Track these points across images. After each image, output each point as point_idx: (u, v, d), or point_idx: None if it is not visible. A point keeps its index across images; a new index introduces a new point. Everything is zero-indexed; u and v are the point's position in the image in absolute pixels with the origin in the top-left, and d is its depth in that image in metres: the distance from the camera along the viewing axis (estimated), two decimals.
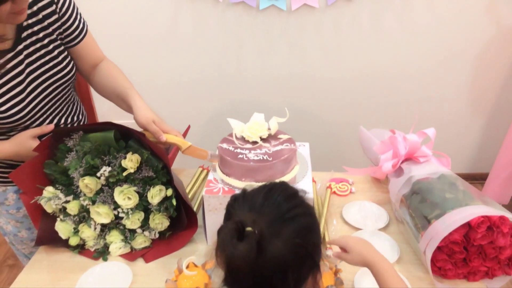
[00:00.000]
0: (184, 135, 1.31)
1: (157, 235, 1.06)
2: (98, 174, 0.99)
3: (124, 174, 0.99)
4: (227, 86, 2.11)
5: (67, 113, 1.13)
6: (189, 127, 1.33)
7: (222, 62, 2.04)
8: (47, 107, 1.05)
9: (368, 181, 1.31)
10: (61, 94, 1.08)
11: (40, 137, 1.03)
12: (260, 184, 0.67)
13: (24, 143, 0.99)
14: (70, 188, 1.03)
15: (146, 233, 1.04)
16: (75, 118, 1.16)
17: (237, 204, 0.64)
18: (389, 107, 2.14)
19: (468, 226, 0.88)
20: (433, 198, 0.98)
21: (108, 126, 1.00)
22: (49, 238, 1.06)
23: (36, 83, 1.00)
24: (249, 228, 0.57)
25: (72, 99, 1.16)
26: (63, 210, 1.04)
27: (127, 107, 1.08)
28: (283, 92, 2.10)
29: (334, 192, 1.25)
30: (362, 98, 2.11)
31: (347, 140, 2.18)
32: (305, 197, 0.66)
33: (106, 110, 2.15)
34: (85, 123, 1.21)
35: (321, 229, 1.06)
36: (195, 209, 1.17)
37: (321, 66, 2.03)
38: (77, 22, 1.05)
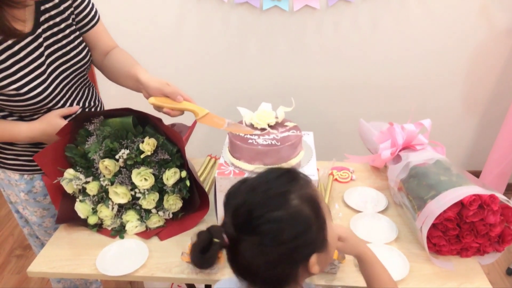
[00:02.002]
0: (192, 127, 1.38)
1: (170, 215, 1.13)
2: (117, 157, 1.06)
3: (142, 156, 1.06)
4: (230, 84, 2.19)
5: (84, 97, 1.19)
6: (195, 121, 1.39)
7: (226, 61, 2.12)
8: (66, 89, 1.11)
9: (367, 169, 1.39)
10: (78, 78, 1.14)
11: (65, 117, 1.09)
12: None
13: (52, 121, 1.05)
14: (89, 171, 1.10)
15: (161, 213, 1.11)
16: (92, 103, 1.22)
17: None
18: (387, 103, 2.22)
19: (461, 205, 0.96)
20: (429, 181, 1.06)
21: (127, 112, 1.07)
22: (68, 218, 1.12)
23: (54, 65, 1.06)
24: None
25: (88, 85, 1.22)
26: (83, 190, 1.11)
27: (135, 83, 1.09)
28: (285, 89, 2.18)
29: (336, 179, 1.32)
30: (362, 94, 2.20)
31: (347, 133, 2.26)
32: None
33: (111, 100, 2.22)
34: (102, 108, 1.28)
35: None
36: None
37: (322, 64, 2.12)
38: (89, 8, 1.12)
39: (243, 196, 0.67)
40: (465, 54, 2.10)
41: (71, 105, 1.13)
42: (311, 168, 1.09)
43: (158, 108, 1.06)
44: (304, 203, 0.65)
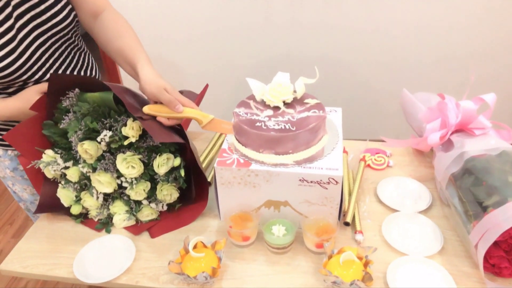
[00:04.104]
0: (202, 94, 1.18)
1: (165, 208, 0.96)
2: (98, 139, 0.88)
3: (126, 143, 0.87)
4: (253, 38, 1.92)
5: (73, 65, 1.01)
6: (207, 86, 1.19)
7: (248, 10, 1.84)
8: (45, 57, 0.93)
9: (408, 153, 1.14)
10: (61, 42, 0.96)
11: None
12: None
13: (30, 98, 0.89)
14: (70, 153, 0.93)
15: (153, 205, 0.94)
16: (83, 73, 1.03)
17: None
18: (438, 67, 1.88)
19: None
20: (491, 181, 0.81)
21: (106, 86, 0.87)
22: (51, 205, 0.97)
23: (27, 29, 0.88)
24: None
25: (78, 50, 1.03)
26: (64, 176, 0.95)
27: (133, 72, 0.93)
28: (315, 45, 1.89)
29: (369, 165, 1.09)
30: (406, 55, 1.86)
31: (387, 104, 1.97)
32: None
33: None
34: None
35: (351, 209, 0.92)
36: (209, 179, 1.05)
37: (360, 17, 1.79)
38: None
39: None
40: None
41: None
42: (335, 158, 0.86)
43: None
44: None
